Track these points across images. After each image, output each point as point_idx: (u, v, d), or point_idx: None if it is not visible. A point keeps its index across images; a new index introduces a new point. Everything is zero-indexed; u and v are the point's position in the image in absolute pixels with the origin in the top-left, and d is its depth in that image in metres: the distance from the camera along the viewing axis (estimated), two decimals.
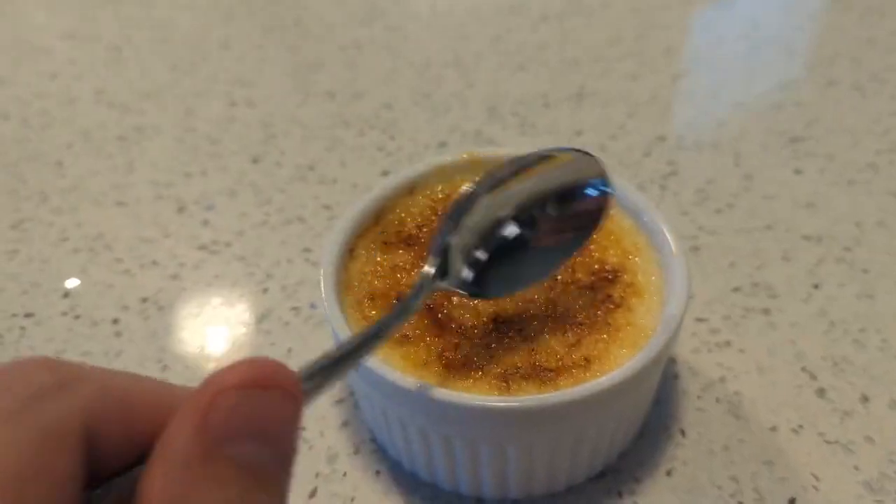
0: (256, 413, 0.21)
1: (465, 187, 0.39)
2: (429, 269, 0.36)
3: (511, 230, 0.38)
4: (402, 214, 0.46)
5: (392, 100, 0.73)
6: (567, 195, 0.39)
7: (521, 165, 0.39)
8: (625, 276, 0.42)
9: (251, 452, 0.21)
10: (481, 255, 0.37)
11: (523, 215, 0.38)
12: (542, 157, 0.39)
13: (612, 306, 0.40)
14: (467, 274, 0.37)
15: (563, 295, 0.41)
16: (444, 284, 0.37)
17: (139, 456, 0.22)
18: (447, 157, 0.48)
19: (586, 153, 0.39)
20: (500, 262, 0.38)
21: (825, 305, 0.52)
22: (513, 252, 0.38)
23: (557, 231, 0.39)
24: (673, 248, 0.42)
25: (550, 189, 0.39)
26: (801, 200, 0.60)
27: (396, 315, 0.33)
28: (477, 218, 0.38)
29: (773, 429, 0.45)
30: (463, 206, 0.38)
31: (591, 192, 0.39)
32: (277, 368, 0.22)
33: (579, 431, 0.38)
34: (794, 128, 0.68)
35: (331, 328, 0.39)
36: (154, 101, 0.74)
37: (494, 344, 0.39)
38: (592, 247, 0.44)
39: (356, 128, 0.70)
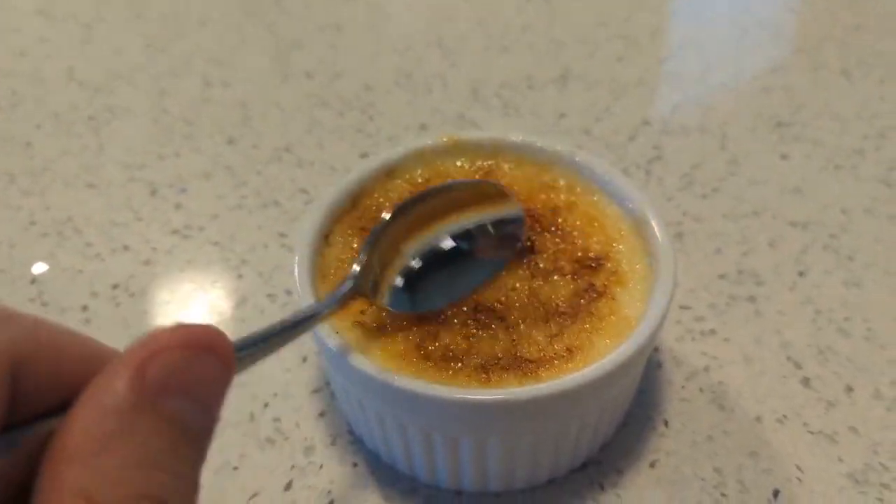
0: (192, 373, 0.22)
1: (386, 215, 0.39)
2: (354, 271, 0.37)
3: (446, 243, 0.40)
4: (381, 199, 0.45)
5: (372, 80, 0.71)
6: (489, 219, 0.42)
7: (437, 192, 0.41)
8: (609, 265, 0.41)
9: (182, 409, 0.21)
10: (416, 263, 0.39)
11: (455, 231, 0.41)
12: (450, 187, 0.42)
13: (595, 295, 0.39)
14: (399, 281, 0.38)
15: (546, 284, 0.40)
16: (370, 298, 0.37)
17: (53, 407, 0.22)
18: (427, 141, 0.47)
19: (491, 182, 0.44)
20: (433, 275, 0.39)
21: (811, 293, 0.51)
22: (445, 265, 0.40)
23: (489, 245, 0.41)
24: (659, 236, 0.41)
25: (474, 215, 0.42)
26: (788, 186, 0.59)
27: (327, 304, 0.35)
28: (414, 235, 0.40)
29: (758, 419, 0.44)
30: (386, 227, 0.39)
31: (510, 212, 0.42)
32: (215, 335, 0.23)
33: (561, 424, 0.37)
34: (781, 112, 0.67)
35: None
36: (126, 80, 0.72)
37: (474, 334, 0.38)
38: (575, 233, 0.43)
39: (335, 109, 0.68)
